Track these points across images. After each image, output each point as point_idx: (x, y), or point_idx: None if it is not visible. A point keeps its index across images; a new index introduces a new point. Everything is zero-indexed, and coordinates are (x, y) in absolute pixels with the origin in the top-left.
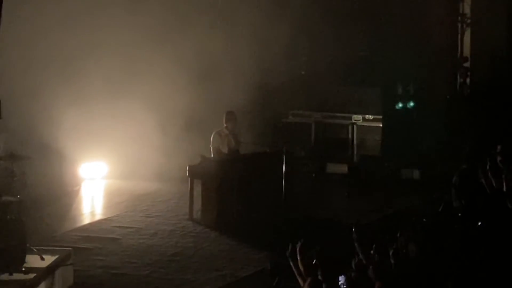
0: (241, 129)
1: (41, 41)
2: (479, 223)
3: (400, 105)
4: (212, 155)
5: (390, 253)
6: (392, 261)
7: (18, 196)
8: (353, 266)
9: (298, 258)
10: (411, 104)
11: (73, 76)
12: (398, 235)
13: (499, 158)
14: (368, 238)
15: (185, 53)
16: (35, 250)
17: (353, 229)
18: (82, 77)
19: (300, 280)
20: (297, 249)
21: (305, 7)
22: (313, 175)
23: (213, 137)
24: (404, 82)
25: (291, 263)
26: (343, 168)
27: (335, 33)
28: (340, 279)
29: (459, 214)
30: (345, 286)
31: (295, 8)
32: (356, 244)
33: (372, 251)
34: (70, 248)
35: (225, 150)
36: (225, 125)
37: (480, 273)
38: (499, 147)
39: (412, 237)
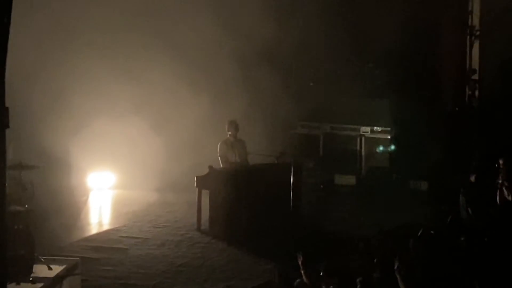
0: (249, 140)
1: (54, 50)
2: (485, 239)
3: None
4: (220, 165)
5: (395, 267)
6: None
7: (26, 206)
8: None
9: (302, 271)
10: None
11: (82, 86)
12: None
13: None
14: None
15: (193, 64)
16: (42, 259)
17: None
18: (91, 87)
19: None
20: (300, 262)
21: (314, 20)
22: (321, 186)
23: (219, 146)
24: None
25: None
26: (351, 180)
27: (343, 44)
28: None
29: (467, 226)
30: None
31: (304, 20)
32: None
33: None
34: (77, 258)
35: (232, 158)
36: (228, 133)
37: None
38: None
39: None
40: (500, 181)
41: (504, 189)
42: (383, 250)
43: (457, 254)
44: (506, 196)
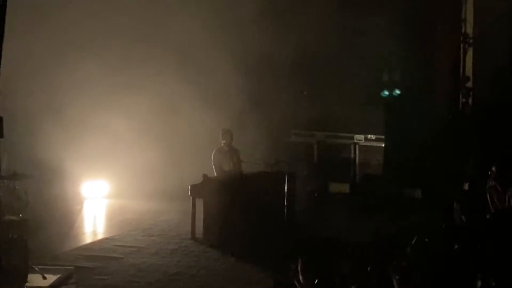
0: (243, 149)
1: (46, 60)
2: (480, 246)
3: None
4: (215, 173)
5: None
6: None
7: (21, 215)
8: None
9: (296, 281)
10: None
11: (77, 96)
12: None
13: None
14: (369, 258)
15: (187, 73)
16: (37, 269)
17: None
18: (85, 97)
19: None
20: (295, 270)
21: (307, 28)
22: (316, 194)
23: (213, 155)
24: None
25: (296, 283)
26: (345, 188)
27: (337, 52)
28: None
29: (462, 234)
30: None
31: (296, 30)
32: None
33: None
34: (72, 267)
35: (227, 167)
36: (222, 142)
37: None
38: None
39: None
40: (491, 186)
41: (493, 195)
42: (377, 257)
43: (452, 261)
44: (497, 202)
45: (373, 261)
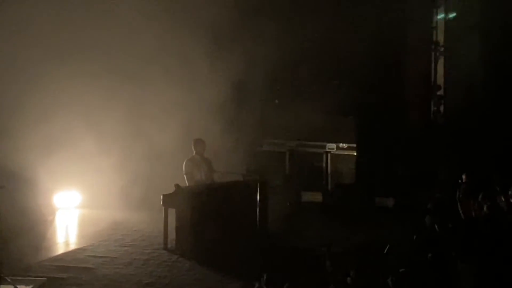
0: (214, 158)
1: (16, 70)
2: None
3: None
4: (187, 183)
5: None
6: None
7: None
8: None
9: None
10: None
11: (47, 105)
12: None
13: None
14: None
15: (158, 83)
16: (9, 280)
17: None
18: (56, 106)
19: None
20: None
21: (277, 38)
22: (288, 203)
23: (185, 164)
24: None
25: None
26: (318, 197)
27: (308, 62)
28: None
29: (434, 242)
30: None
31: (268, 37)
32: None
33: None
34: (44, 278)
35: (199, 176)
36: (194, 151)
37: None
38: (464, 176)
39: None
40: (460, 196)
41: (461, 205)
42: (348, 266)
43: (424, 270)
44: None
45: (342, 270)
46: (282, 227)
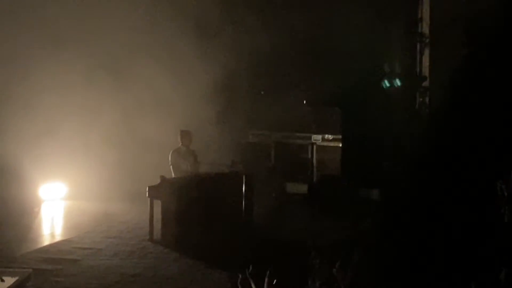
0: (200, 150)
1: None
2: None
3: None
4: (172, 174)
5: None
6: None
7: None
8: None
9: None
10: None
11: (33, 96)
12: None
13: None
14: (326, 259)
15: (143, 74)
16: None
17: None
18: (41, 97)
19: None
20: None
21: (264, 29)
22: (273, 195)
23: (171, 155)
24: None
25: (252, 284)
26: (303, 188)
27: (293, 53)
28: None
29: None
30: None
31: (255, 28)
32: (313, 265)
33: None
34: (30, 270)
35: (184, 168)
36: (180, 143)
37: None
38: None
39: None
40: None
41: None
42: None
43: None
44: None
45: (329, 261)
46: (268, 219)
